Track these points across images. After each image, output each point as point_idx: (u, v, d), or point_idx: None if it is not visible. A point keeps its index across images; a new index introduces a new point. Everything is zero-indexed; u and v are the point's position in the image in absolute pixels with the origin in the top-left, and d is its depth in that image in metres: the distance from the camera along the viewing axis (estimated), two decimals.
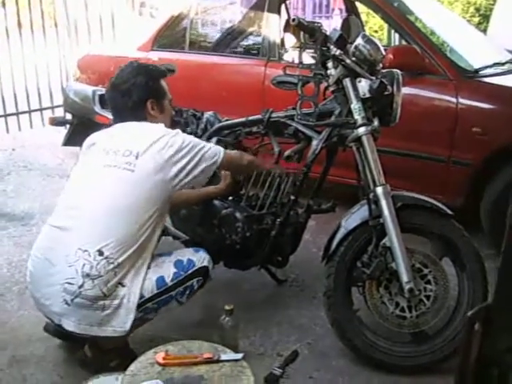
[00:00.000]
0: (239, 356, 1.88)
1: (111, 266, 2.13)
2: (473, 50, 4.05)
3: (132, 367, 1.83)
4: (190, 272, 2.35)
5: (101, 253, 2.13)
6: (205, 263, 2.41)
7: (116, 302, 2.16)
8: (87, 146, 2.41)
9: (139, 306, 2.21)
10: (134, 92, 2.39)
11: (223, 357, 1.86)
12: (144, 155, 2.24)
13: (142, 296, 2.21)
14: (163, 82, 2.51)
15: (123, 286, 2.18)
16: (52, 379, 2.37)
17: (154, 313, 2.30)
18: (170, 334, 2.50)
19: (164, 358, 1.84)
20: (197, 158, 2.31)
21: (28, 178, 4.88)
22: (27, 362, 2.47)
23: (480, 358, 1.38)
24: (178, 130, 2.38)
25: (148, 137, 2.29)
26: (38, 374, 2.39)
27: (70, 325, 2.19)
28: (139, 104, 2.40)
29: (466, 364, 1.40)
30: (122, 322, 2.19)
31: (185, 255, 2.40)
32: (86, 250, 2.14)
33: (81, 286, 2.12)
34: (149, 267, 2.27)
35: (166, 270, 2.31)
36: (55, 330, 2.43)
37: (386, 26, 7.13)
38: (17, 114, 6.21)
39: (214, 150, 2.39)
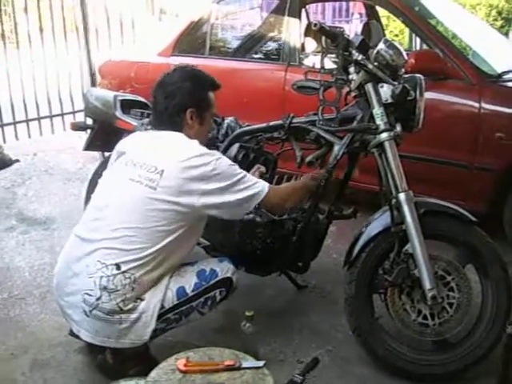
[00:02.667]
0: (261, 363, 1.86)
1: (128, 280, 2.13)
2: (496, 53, 4.01)
3: (153, 374, 1.82)
4: (212, 283, 2.32)
5: (118, 267, 2.13)
6: (228, 274, 2.37)
7: (134, 316, 2.16)
8: (117, 154, 2.38)
9: (160, 316, 2.20)
10: (178, 96, 2.30)
11: (244, 364, 1.85)
12: (168, 174, 2.17)
13: (162, 307, 2.20)
14: (211, 94, 2.41)
15: (142, 300, 2.17)
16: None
17: (175, 323, 2.29)
18: (191, 341, 2.50)
19: (185, 365, 1.82)
20: (229, 188, 2.20)
21: (49, 182, 4.92)
22: (48, 366, 2.48)
23: None
24: (216, 153, 2.27)
25: (177, 154, 2.21)
26: (58, 379, 2.41)
27: (87, 336, 2.22)
28: (179, 110, 2.31)
29: (505, 380, 1.37)
30: (139, 336, 2.18)
31: (208, 265, 2.37)
32: (104, 263, 2.14)
33: (98, 299, 2.13)
34: (171, 277, 2.26)
35: (188, 280, 2.29)
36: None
37: (406, 30, 7.09)
38: (38, 119, 6.27)
39: (256, 185, 2.26)
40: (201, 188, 2.17)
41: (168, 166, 2.19)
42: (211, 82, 2.42)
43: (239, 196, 2.22)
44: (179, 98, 2.30)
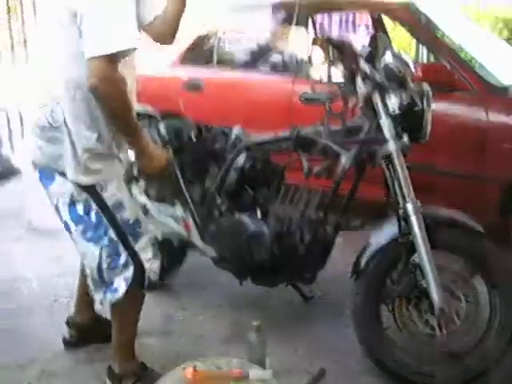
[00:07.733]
0: (268, 373, 1.86)
1: None
2: (502, 65, 4.02)
3: (160, 383, 1.83)
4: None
5: None
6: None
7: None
8: None
9: None
10: None
11: (251, 374, 1.85)
12: None
13: None
14: None
15: None
16: None
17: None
18: (198, 351, 2.50)
19: (192, 375, 1.83)
20: None
21: None
22: (55, 376, 2.49)
23: None
24: None
25: None
26: None
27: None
28: None
29: None
30: None
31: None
32: None
33: None
34: None
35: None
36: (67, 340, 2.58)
37: (413, 41, 7.10)
38: None
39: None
40: None
41: None
42: None
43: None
44: None
